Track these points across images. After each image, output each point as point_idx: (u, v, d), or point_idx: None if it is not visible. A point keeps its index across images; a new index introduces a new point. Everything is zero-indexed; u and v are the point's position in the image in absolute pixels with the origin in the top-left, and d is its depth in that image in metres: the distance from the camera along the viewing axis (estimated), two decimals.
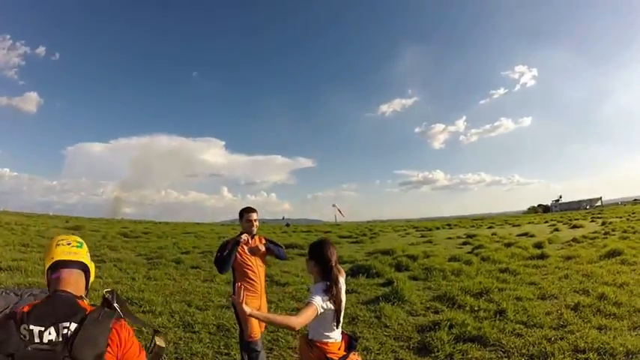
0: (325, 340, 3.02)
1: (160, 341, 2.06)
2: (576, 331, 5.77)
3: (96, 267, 6.96)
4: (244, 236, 4.50)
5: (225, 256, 4.36)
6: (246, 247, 4.48)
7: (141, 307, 7.25)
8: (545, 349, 5.16)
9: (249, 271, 4.43)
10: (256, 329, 4.25)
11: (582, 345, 5.16)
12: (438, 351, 5.23)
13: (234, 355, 5.16)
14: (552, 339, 5.53)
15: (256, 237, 4.68)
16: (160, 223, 49.23)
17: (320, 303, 2.92)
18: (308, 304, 2.93)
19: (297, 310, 7.03)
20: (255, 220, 4.62)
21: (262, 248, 4.56)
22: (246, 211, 4.63)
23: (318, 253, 3.17)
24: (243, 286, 3.90)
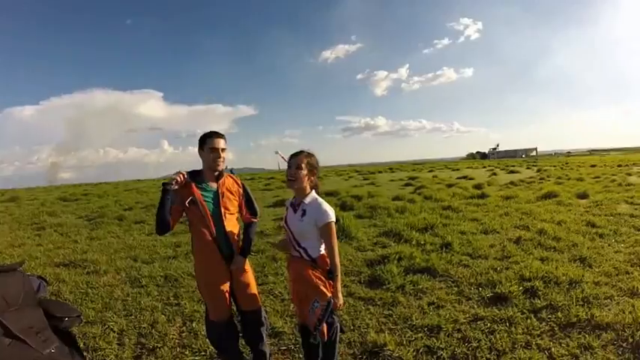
0: (323, 252, 2.94)
1: None
2: (520, 261, 6.02)
3: (36, 235, 6.60)
4: (179, 175, 3.02)
5: (157, 212, 3.03)
6: (193, 194, 3.08)
7: (85, 268, 6.94)
8: (493, 278, 5.32)
9: (203, 230, 3.11)
10: (222, 306, 3.17)
11: (527, 274, 5.33)
12: (389, 283, 5.30)
13: (185, 304, 5.01)
14: (498, 269, 5.75)
15: (225, 178, 3.29)
16: (100, 183, 47.27)
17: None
18: (329, 225, 2.84)
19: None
20: (222, 150, 3.16)
21: (230, 196, 3.25)
22: (208, 136, 3.16)
23: (317, 162, 3.05)
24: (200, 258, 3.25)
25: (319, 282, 2.83)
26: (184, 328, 4.43)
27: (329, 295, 2.81)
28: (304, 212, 2.91)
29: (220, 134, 3.22)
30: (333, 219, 2.87)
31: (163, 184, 3.00)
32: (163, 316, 4.74)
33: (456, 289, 5.18)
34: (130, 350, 4.02)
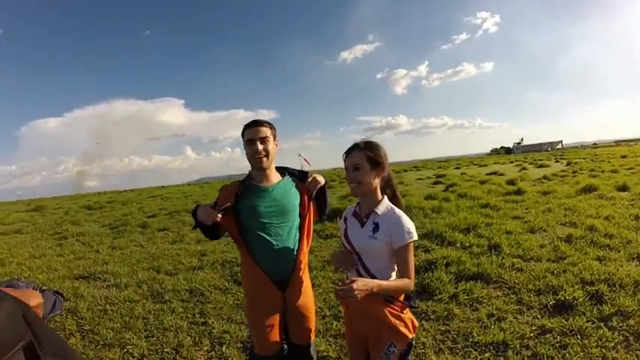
0: (394, 278, 2.17)
1: None
2: (577, 262, 5.42)
3: (57, 245, 6.47)
4: (216, 214, 2.37)
5: (203, 228, 2.48)
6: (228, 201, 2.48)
7: (105, 281, 6.59)
8: (552, 282, 4.77)
9: (244, 248, 2.51)
10: (269, 340, 2.51)
11: (588, 277, 4.81)
12: (440, 293, 4.72)
13: (212, 323, 4.48)
14: (555, 272, 5.16)
15: (282, 177, 2.67)
16: (124, 191, 47.45)
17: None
18: (410, 245, 2.07)
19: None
20: (261, 141, 2.48)
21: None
22: (246, 127, 2.54)
23: (383, 154, 2.21)
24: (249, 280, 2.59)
25: (398, 322, 2.09)
26: (213, 352, 3.90)
27: (410, 336, 2.12)
28: (376, 226, 2.13)
29: (260, 122, 2.54)
30: (416, 237, 2.10)
31: (208, 207, 2.42)
32: (189, 337, 4.23)
33: (514, 296, 4.61)
34: None
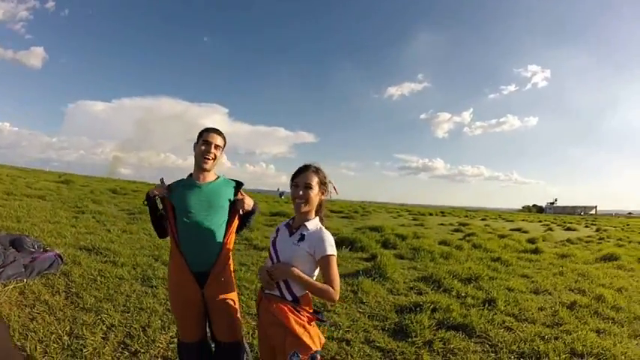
0: (309, 294, 2.38)
1: None
2: (573, 331, 5.16)
3: (73, 217, 7.10)
4: (156, 190, 2.80)
5: (152, 220, 2.90)
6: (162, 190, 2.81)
7: (105, 256, 6.84)
8: (538, 347, 4.55)
9: (171, 236, 2.76)
10: (188, 329, 2.75)
11: (580, 348, 4.56)
12: (415, 336, 4.57)
13: None
14: (546, 337, 4.92)
15: (218, 180, 2.87)
16: (154, 184, 48.49)
17: None
18: (332, 258, 2.27)
19: None
20: (216, 147, 2.79)
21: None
22: (205, 130, 2.81)
23: (325, 177, 2.53)
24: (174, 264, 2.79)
25: (302, 330, 2.22)
26: (175, 340, 3.93)
27: (314, 348, 2.20)
28: (302, 237, 2.34)
29: (220, 132, 2.86)
30: (335, 252, 2.33)
31: (148, 195, 2.82)
32: (160, 321, 4.40)
33: (493, 355, 4.41)
34: (110, 347, 3.76)
